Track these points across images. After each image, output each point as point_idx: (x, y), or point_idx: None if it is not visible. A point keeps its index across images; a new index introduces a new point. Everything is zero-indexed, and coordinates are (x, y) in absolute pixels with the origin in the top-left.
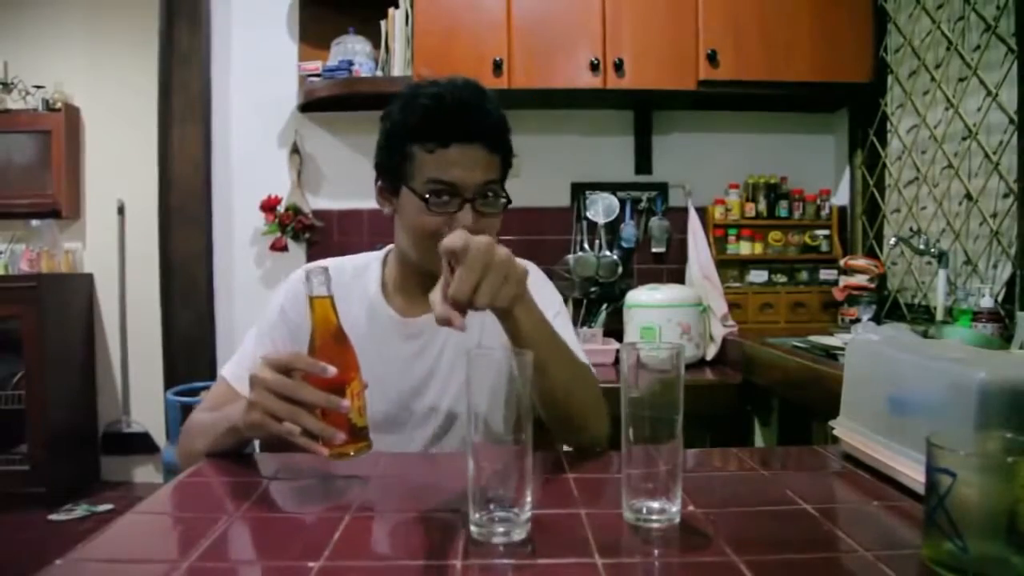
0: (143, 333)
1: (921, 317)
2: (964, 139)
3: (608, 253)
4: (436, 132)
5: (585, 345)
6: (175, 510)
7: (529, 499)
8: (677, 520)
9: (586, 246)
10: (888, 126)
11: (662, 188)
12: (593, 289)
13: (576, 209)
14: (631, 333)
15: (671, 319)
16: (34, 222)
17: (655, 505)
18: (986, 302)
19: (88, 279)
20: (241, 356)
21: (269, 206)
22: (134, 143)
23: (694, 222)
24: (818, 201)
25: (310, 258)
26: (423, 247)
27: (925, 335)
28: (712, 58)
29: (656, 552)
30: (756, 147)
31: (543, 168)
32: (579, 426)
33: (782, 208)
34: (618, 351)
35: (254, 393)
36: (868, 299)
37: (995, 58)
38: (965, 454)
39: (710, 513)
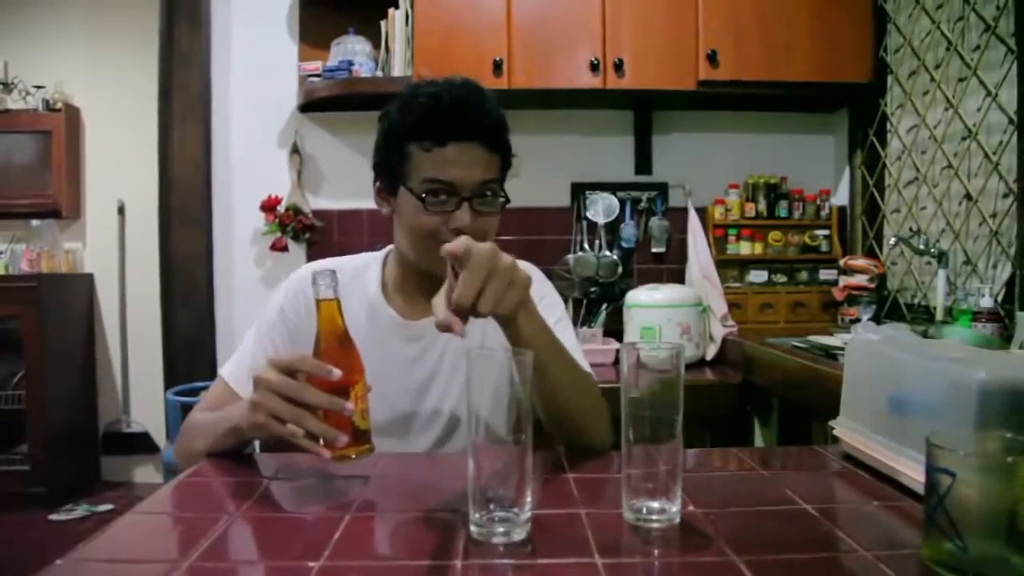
0: (143, 333)
1: (921, 317)
2: (964, 139)
3: (608, 253)
4: (433, 131)
5: (585, 345)
6: (175, 510)
7: (529, 499)
8: (677, 520)
9: (586, 246)
10: (888, 126)
11: (662, 188)
12: (593, 289)
13: (576, 209)
14: (631, 333)
15: (671, 319)
16: (34, 222)
17: (655, 505)
18: (986, 302)
19: (88, 279)
20: (240, 356)
21: (269, 206)
22: (134, 143)
23: (694, 222)
24: (818, 201)
25: (310, 258)
26: (421, 247)
27: (925, 335)
28: (712, 58)
29: (656, 552)
30: (756, 147)
31: (543, 168)
32: (578, 429)
33: (782, 208)
34: (618, 351)
35: (258, 394)
36: (868, 299)
37: (995, 58)
38: (965, 454)
39: (710, 513)
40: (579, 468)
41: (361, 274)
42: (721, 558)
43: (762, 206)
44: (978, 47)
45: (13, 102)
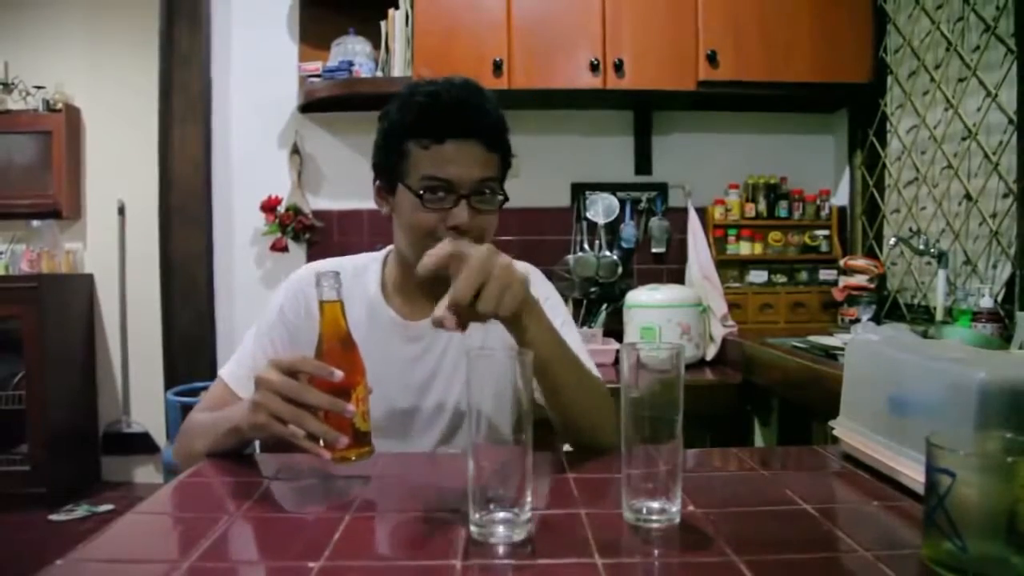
0: (143, 333)
1: (921, 317)
2: (964, 139)
3: (608, 253)
4: (431, 128)
5: (585, 345)
6: (175, 510)
7: (529, 499)
8: (677, 520)
9: (586, 246)
10: (888, 126)
11: (662, 188)
12: (593, 289)
13: (576, 209)
14: (631, 333)
15: (671, 319)
16: (35, 222)
17: (655, 505)
18: (986, 302)
19: (88, 279)
20: (240, 357)
21: (269, 206)
22: (134, 143)
23: (694, 222)
24: (818, 201)
25: (310, 258)
26: (419, 245)
27: (925, 335)
28: (712, 58)
29: (656, 552)
30: (756, 147)
31: (543, 168)
32: (585, 429)
33: (782, 208)
34: (618, 351)
35: (259, 394)
36: (868, 299)
37: (994, 59)
38: (965, 454)
39: (710, 513)
40: (579, 468)
41: (361, 274)
42: (721, 558)
43: (762, 206)
44: (978, 47)
45: (13, 102)
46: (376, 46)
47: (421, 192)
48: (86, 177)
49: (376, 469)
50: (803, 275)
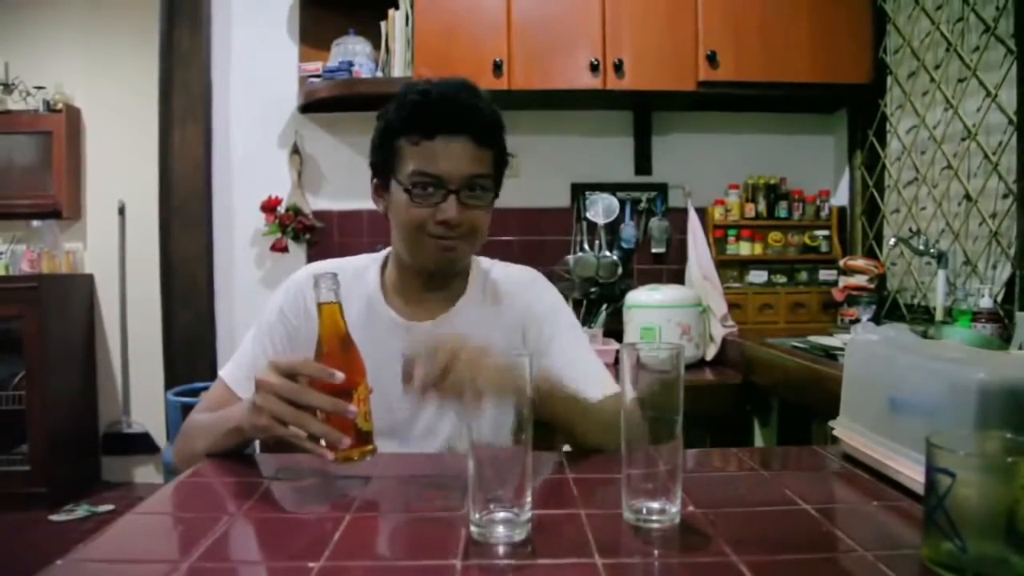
0: (143, 334)
1: (920, 317)
2: (963, 140)
3: (608, 253)
4: (421, 125)
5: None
6: (175, 510)
7: (529, 499)
8: (677, 520)
9: (586, 246)
10: (887, 127)
11: (662, 189)
12: (593, 289)
13: (576, 209)
14: (631, 333)
15: (671, 319)
16: (35, 223)
17: (655, 505)
18: (985, 302)
19: (89, 279)
20: (240, 357)
21: (269, 207)
22: (135, 144)
23: (694, 222)
24: (817, 202)
25: (310, 259)
26: (411, 241)
27: (924, 335)
28: (712, 59)
29: (656, 552)
30: (755, 148)
31: (543, 168)
32: (594, 446)
33: (782, 209)
34: (618, 352)
35: (259, 397)
36: (867, 299)
37: (994, 59)
38: (964, 454)
39: (710, 513)
40: (579, 468)
41: (361, 275)
42: (721, 558)
43: (762, 207)
44: (977, 48)
45: (14, 103)
46: (376, 46)
47: (411, 187)
48: (86, 177)
49: (376, 469)
50: (803, 275)
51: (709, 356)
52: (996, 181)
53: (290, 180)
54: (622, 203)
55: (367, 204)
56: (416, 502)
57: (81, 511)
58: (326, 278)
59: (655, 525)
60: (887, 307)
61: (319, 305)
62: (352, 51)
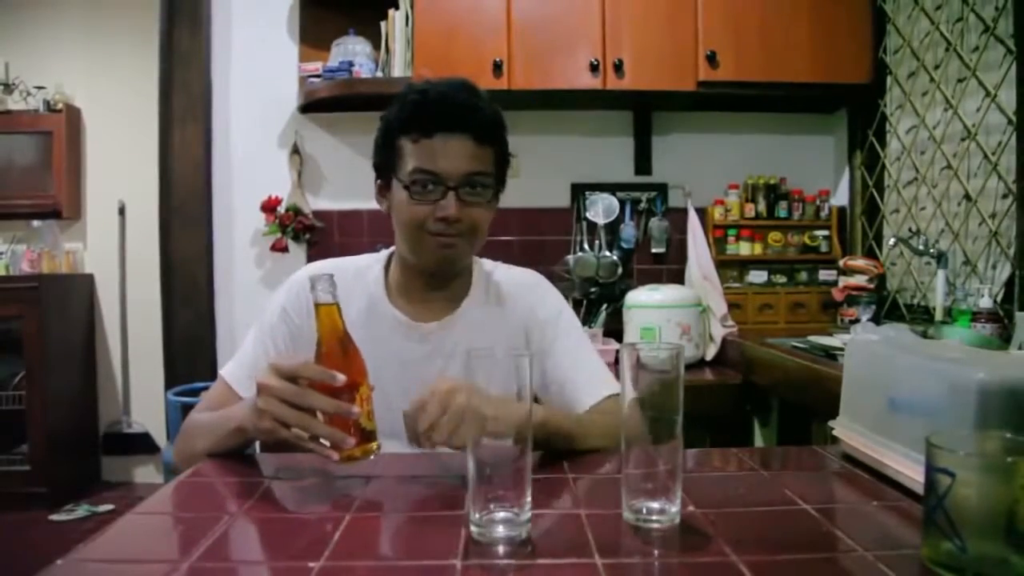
0: (144, 333)
1: (920, 317)
2: (963, 140)
3: (608, 254)
4: (420, 123)
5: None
6: (176, 510)
7: (529, 499)
8: (677, 520)
9: (586, 246)
10: (887, 127)
11: (662, 189)
12: (593, 290)
13: (576, 209)
14: (631, 333)
15: (671, 319)
16: (35, 223)
17: (655, 505)
18: (985, 302)
19: (89, 279)
20: (241, 357)
21: (269, 207)
22: (135, 144)
23: (694, 222)
24: (817, 202)
25: (311, 259)
26: (412, 239)
27: (924, 335)
28: (711, 59)
29: (656, 552)
30: (755, 148)
31: (543, 168)
32: (593, 450)
33: (781, 209)
34: (618, 352)
35: (262, 400)
36: (867, 299)
37: (994, 59)
38: (964, 454)
39: (710, 513)
40: (579, 468)
41: (363, 274)
42: (721, 558)
43: (762, 207)
44: (977, 48)
45: (14, 103)
46: (376, 46)
47: (410, 184)
48: (86, 177)
49: (376, 469)
50: (803, 275)
51: (709, 356)
52: (996, 181)
53: (290, 180)
54: (622, 203)
55: (367, 204)
56: (416, 502)
57: (81, 511)
58: (322, 279)
59: (655, 525)
60: (887, 307)
61: (316, 306)
62: (352, 51)
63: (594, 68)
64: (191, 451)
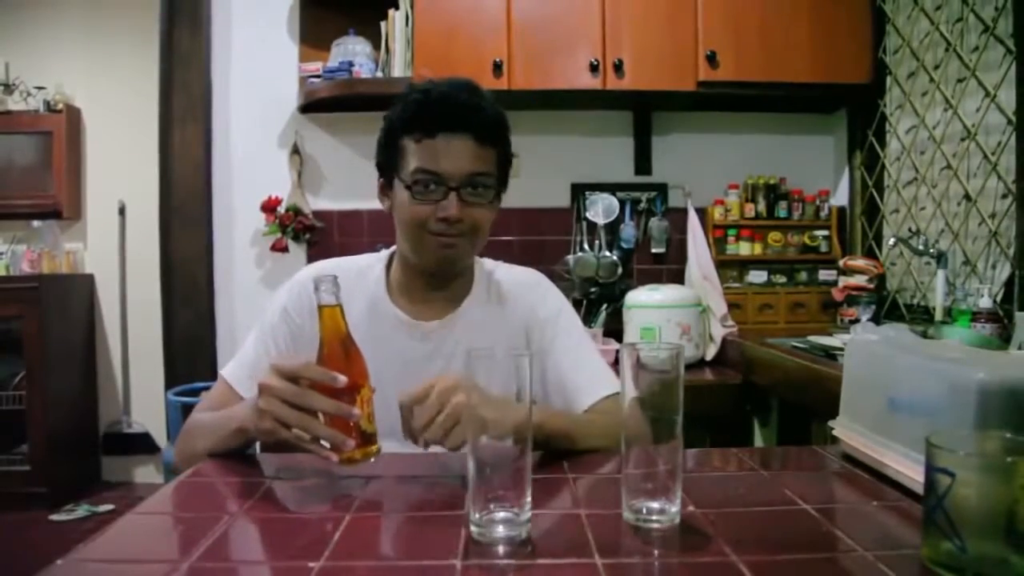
0: (144, 334)
1: (920, 317)
2: (963, 140)
3: (608, 254)
4: (422, 123)
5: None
6: (176, 510)
7: (529, 499)
8: (677, 520)
9: (586, 246)
10: (887, 127)
11: (662, 189)
12: (593, 289)
13: (576, 209)
14: (631, 333)
15: (671, 319)
16: (35, 223)
17: (655, 505)
18: (985, 302)
19: (89, 280)
20: (242, 357)
21: (270, 207)
22: (135, 144)
23: (694, 222)
24: (817, 202)
25: (311, 259)
26: (413, 238)
27: (924, 335)
28: (711, 59)
29: (656, 552)
30: (755, 148)
31: (543, 168)
32: (594, 448)
33: (781, 209)
34: (618, 352)
35: (263, 401)
36: (867, 299)
37: (993, 59)
38: (964, 454)
39: (710, 513)
40: (579, 468)
41: (364, 274)
42: (721, 558)
43: (761, 207)
44: (977, 48)
45: (14, 103)
46: (376, 47)
47: (412, 184)
48: (86, 177)
49: (376, 469)
50: (803, 275)
51: (709, 356)
52: (995, 181)
53: (290, 180)
54: (622, 203)
55: (367, 204)
56: (416, 502)
57: (81, 511)
58: (326, 280)
59: (655, 525)
60: (887, 307)
61: (320, 308)
62: (352, 51)
63: (594, 68)
64: (192, 451)
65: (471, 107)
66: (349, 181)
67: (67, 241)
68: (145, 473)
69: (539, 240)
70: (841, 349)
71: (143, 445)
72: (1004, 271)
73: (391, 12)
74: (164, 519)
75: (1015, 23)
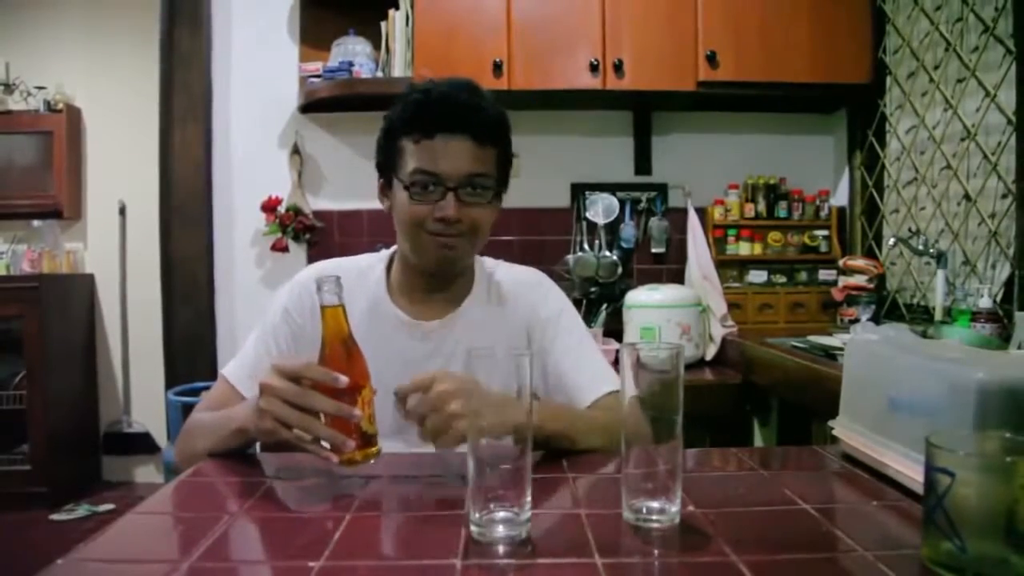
0: (144, 333)
1: (920, 317)
2: (963, 140)
3: (608, 253)
4: (421, 123)
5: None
6: (176, 510)
7: (529, 499)
8: (677, 520)
9: (586, 246)
10: (887, 127)
11: (662, 189)
12: (593, 289)
13: (576, 209)
14: (631, 333)
15: (671, 319)
16: (36, 222)
17: (655, 505)
18: (984, 302)
19: (89, 279)
20: (242, 357)
21: (270, 207)
22: (135, 144)
23: (693, 222)
24: (817, 202)
25: (311, 259)
26: (412, 238)
27: (924, 335)
28: (711, 59)
29: (656, 552)
30: (755, 148)
31: (543, 168)
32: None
33: (781, 209)
34: (618, 351)
35: (264, 400)
36: (867, 299)
37: (993, 59)
38: (964, 454)
39: (710, 513)
40: (579, 468)
41: (365, 274)
42: (721, 558)
43: (761, 207)
44: (977, 48)
45: (14, 103)
46: (376, 47)
47: (411, 185)
48: (87, 177)
49: (376, 469)
50: (802, 275)
51: (709, 356)
52: (995, 181)
53: (290, 180)
54: (622, 203)
55: (367, 204)
56: (416, 502)
57: (81, 511)
58: (329, 281)
59: (655, 525)
60: (886, 307)
61: (322, 308)
62: (352, 51)
63: (594, 68)
64: (192, 451)
65: (470, 107)
66: (349, 181)
67: (67, 241)
68: (145, 473)
69: (539, 240)
70: (841, 349)
71: (143, 445)
72: (1004, 271)
73: (391, 12)
74: (164, 519)
75: (1015, 23)
